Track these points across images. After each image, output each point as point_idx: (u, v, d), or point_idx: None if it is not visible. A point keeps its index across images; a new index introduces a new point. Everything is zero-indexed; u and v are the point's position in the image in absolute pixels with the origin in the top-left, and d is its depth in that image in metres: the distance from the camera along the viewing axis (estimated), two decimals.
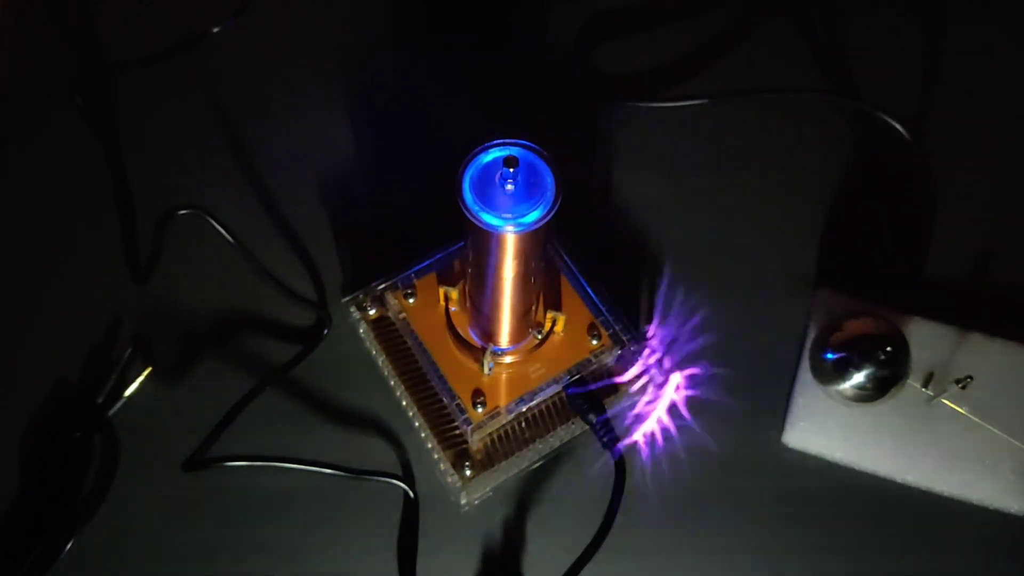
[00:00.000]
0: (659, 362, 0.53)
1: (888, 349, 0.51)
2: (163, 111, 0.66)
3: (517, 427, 0.53)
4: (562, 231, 0.56)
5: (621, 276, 0.60)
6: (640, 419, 0.52)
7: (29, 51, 0.69)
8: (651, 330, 0.55)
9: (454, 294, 0.54)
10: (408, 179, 0.64)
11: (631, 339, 0.55)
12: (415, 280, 0.55)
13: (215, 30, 0.69)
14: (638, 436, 0.52)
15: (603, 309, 0.55)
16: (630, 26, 0.71)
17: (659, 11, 0.72)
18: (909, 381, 0.53)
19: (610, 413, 0.52)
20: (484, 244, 0.44)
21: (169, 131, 0.65)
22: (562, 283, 0.55)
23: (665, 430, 0.52)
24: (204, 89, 0.67)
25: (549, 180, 0.43)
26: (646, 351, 0.53)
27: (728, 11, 0.72)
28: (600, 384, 0.52)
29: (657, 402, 0.52)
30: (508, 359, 0.53)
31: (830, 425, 0.55)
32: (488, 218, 0.42)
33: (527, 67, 0.70)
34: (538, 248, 0.45)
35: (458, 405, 0.52)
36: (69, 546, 0.50)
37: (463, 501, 0.53)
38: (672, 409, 0.53)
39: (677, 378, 0.53)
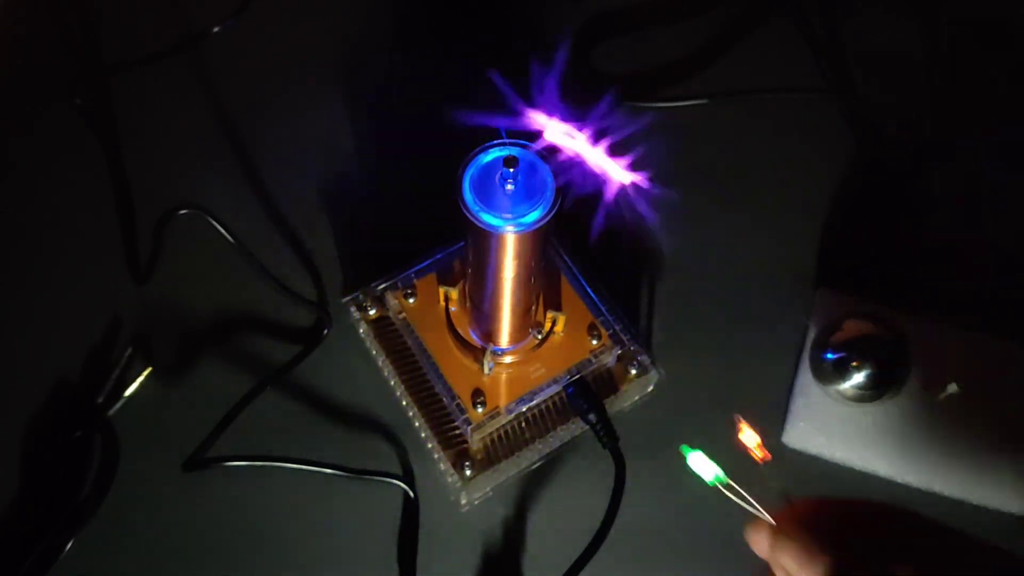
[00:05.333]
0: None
1: (888, 349, 0.51)
2: (163, 111, 0.66)
3: (517, 427, 0.53)
4: (562, 231, 0.56)
5: (621, 276, 0.60)
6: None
7: (29, 51, 0.69)
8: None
9: (454, 294, 0.54)
10: (408, 179, 0.64)
11: (631, 339, 0.55)
12: (415, 280, 0.55)
13: (215, 30, 0.69)
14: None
15: (603, 309, 0.55)
16: (630, 26, 0.71)
17: (658, 11, 0.72)
18: (909, 381, 0.53)
19: (610, 413, 0.53)
20: (484, 244, 0.44)
21: (169, 131, 0.65)
22: (562, 283, 0.55)
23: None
24: (204, 89, 0.67)
25: (549, 180, 0.43)
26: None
27: (727, 11, 0.72)
28: None
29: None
30: (508, 359, 0.53)
31: (830, 425, 0.55)
32: (488, 218, 0.42)
33: (527, 67, 0.69)
34: (538, 248, 0.45)
35: (458, 405, 0.52)
36: (69, 546, 0.50)
37: (463, 501, 0.53)
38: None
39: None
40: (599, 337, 0.54)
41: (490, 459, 0.53)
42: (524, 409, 0.53)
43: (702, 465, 0.36)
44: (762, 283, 0.60)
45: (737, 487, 0.35)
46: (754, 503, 0.34)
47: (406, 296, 0.55)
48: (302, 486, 0.53)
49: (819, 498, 0.32)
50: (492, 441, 0.53)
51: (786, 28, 0.71)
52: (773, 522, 0.32)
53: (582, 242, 0.57)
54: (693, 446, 0.37)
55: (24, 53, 0.69)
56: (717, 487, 0.35)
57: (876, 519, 0.32)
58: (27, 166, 0.64)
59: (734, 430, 0.35)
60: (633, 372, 0.55)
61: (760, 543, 0.33)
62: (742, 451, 0.35)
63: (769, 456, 0.34)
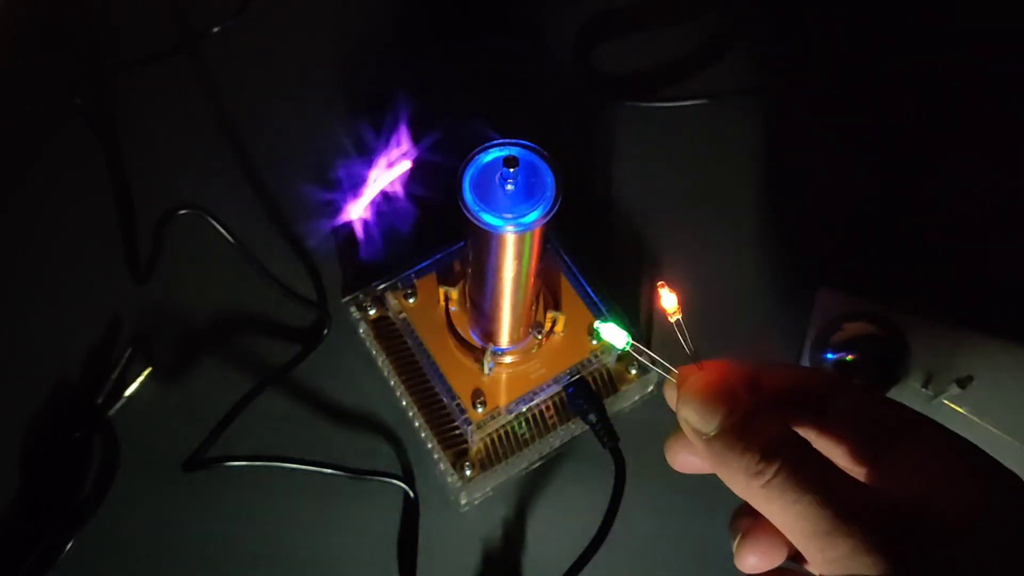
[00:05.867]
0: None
1: (888, 349, 0.51)
2: (163, 111, 0.66)
3: (517, 427, 0.53)
4: (562, 231, 0.56)
5: (621, 276, 0.60)
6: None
7: (29, 51, 0.69)
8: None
9: (454, 294, 0.54)
10: (408, 178, 0.64)
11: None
12: (415, 280, 0.55)
13: (215, 30, 0.69)
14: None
15: (603, 309, 0.55)
16: (630, 26, 0.71)
17: (659, 11, 0.72)
18: (909, 381, 0.53)
19: (610, 413, 0.53)
20: (484, 244, 0.44)
21: (169, 131, 0.65)
22: (562, 283, 0.55)
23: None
24: (204, 89, 0.67)
25: (549, 180, 0.43)
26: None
27: (726, 11, 0.72)
28: None
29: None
30: (508, 359, 0.53)
31: None
32: (488, 218, 0.42)
33: (527, 67, 0.70)
34: (538, 248, 0.45)
35: (458, 405, 0.52)
36: (69, 546, 0.50)
37: (463, 501, 0.53)
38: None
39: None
40: (599, 337, 0.54)
41: (490, 459, 0.53)
42: (524, 409, 0.53)
43: (614, 334, 0.37)
44: (762, 283, 0.60)
45: (645, 349, 0.36)
46: (662, 361, 0.35)
47: (406, 296, 0.55)
48: (302, 486, 0.53)
49: (730, 359, 0.33)
50: (492, 441, 0.53)
51: (785, 28, 0.71)
52: (675, 377, 0.33)
53: (582, 242, 0.57)
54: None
55: (24, 53, 0.69)
56: (629, 351, 0.37)
57: (786, 375, 0.33)
58: (27, 166, 0.64)
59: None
60: (633, 372, 0.55)
61: (673, 399, 0.34)
62: (662, 314, 0.36)
63: (680, 315, 0.35)
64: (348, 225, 0.49)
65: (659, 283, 0.36)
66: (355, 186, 0.50)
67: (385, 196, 0.50)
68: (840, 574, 0.26)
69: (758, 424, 0.30)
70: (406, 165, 0.49)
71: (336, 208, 0.50)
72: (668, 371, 0.34)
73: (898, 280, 0.61)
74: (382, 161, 0.49)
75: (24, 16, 0.70)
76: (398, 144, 0.50)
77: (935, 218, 0.63)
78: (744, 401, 0.31)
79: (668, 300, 0.36)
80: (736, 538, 0.33)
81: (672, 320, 0.35)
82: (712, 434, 0.31)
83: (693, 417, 0.31)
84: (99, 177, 0.63)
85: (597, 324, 0.37)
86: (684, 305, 0.36)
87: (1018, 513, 0.27)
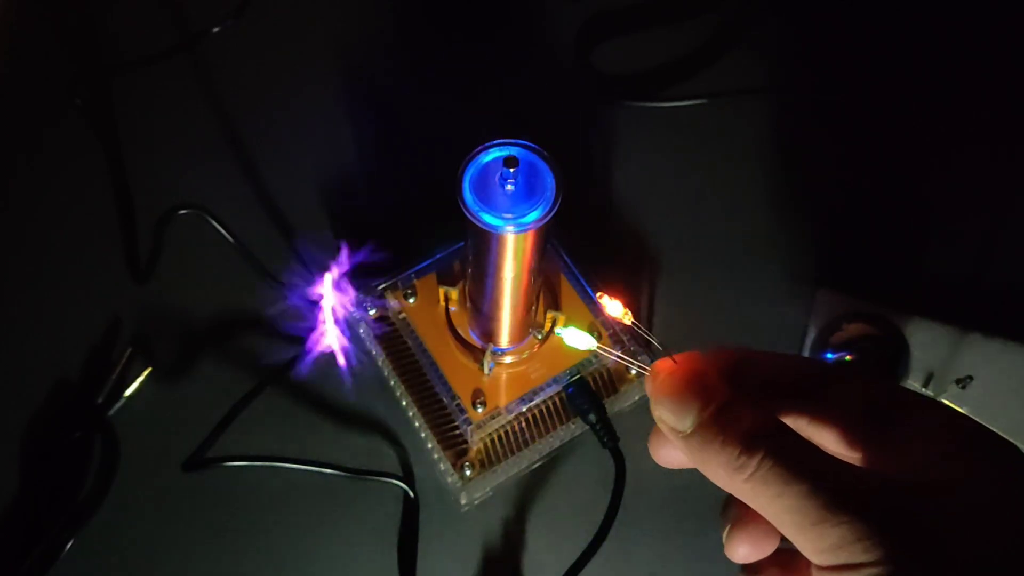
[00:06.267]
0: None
1: (888, 349, 0.51)
2: (163, 111, 0.66)
3: (517, 427, 0.53)
4: (562, 231, 0.56)
5: (621, 276, 0.60)
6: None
7: (29, 51, 0.69)
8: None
9: (454, 294, 0.54)
10: (408, 179, 0.64)
11: (631, 339, 0.55)
12: (415, 280, 0.55)
13: (215, 30, 0.69)
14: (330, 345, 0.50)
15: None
16: (630, 26, 0.71)
17: (659, 11, 0.72)
18: (909, 381, 0.53)
19: (610, 413, 0.53)
20: (484, 244, 0.44)
21: (169, 131, 0.65)
22: (562, 283, 0.55)
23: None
24: (204, 89, 0.67)
25: (549, 180, 0.43)
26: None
27: (726, 11, 0.72)
28: None
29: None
30: (508, 359, 0.53)
31: None
32: (488, 218, 0.42)
33: (527, 67, 0.70)
34: (538, 248, 0.45)
35: (458, 405, 0.52)
36: (69, 546, 0.50)
37: (463, 501, 0.53)
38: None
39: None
40: (599, 337, 0.54)
41: (490, 459, 0.53)
42: (524, 409, 0.53)
43: (577, 338, 0.36)
44: (762, 283, 0.60)
45: (608, 349, 0.36)
46: (628, 359, 0.34)
47: (406, 296, 0.55)
48: (302, 486, 0.53)
49: (707, 349, 0.32)
50: (492, 441, 0.53)
51: (785, 28, 0.71)
52: (647, 372, 0.31)
53: (582, 242, 0.57)
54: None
55: (24, 53, 0.69)
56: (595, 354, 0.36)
57: (778, 364, 0.31)
58: (27, 166, 0.64)
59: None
60: (633, 372, 0.55)
61: None
62: (613, 322, 0.35)
63: (632, 318, 0.34)
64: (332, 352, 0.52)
65: (598, 294, 0.34)
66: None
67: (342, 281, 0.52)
68: (835, 563, 0.25)
69: (736, 415, 0.28)
70: (330, 279, 0.51)
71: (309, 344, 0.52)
72: (641, 368, 0.32)
73: (898, 280, 0.61)
74: (321, 294, 0.51)
75: (24, 16, 0.70)
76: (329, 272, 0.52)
77: (935, 218, 0.63)
78: (720, 392, 0.29)
79: (613, 308, 0.34)
80: (726, 528, 0.32)
81: (627, 323, 0.34)
82: (688, 431, 0.29)
83: (667, 415, 0.30)
84: (99, 177, 0.63)
85: (558, 330, 0.36)
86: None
87: (1018, 488, 0.26)
